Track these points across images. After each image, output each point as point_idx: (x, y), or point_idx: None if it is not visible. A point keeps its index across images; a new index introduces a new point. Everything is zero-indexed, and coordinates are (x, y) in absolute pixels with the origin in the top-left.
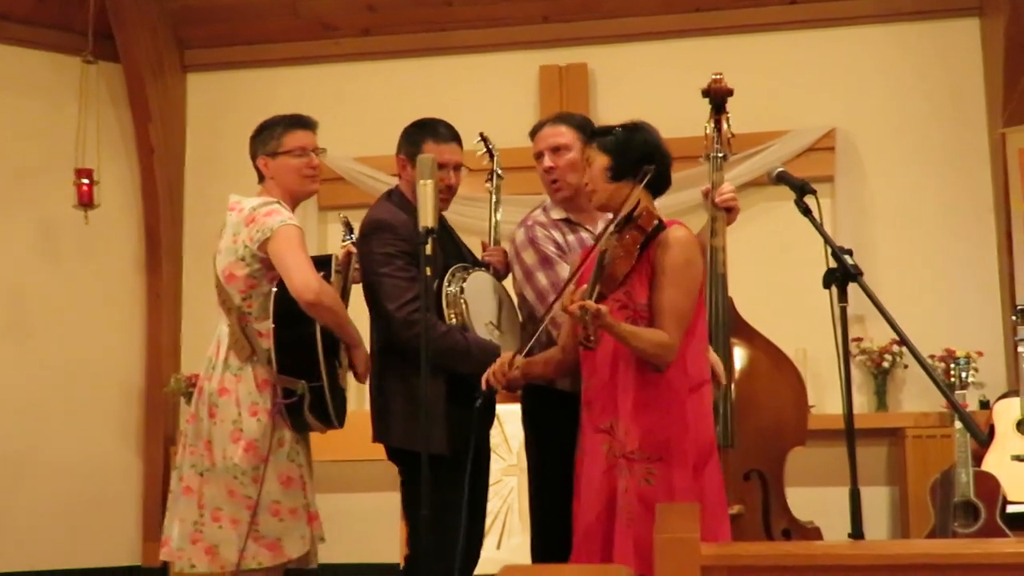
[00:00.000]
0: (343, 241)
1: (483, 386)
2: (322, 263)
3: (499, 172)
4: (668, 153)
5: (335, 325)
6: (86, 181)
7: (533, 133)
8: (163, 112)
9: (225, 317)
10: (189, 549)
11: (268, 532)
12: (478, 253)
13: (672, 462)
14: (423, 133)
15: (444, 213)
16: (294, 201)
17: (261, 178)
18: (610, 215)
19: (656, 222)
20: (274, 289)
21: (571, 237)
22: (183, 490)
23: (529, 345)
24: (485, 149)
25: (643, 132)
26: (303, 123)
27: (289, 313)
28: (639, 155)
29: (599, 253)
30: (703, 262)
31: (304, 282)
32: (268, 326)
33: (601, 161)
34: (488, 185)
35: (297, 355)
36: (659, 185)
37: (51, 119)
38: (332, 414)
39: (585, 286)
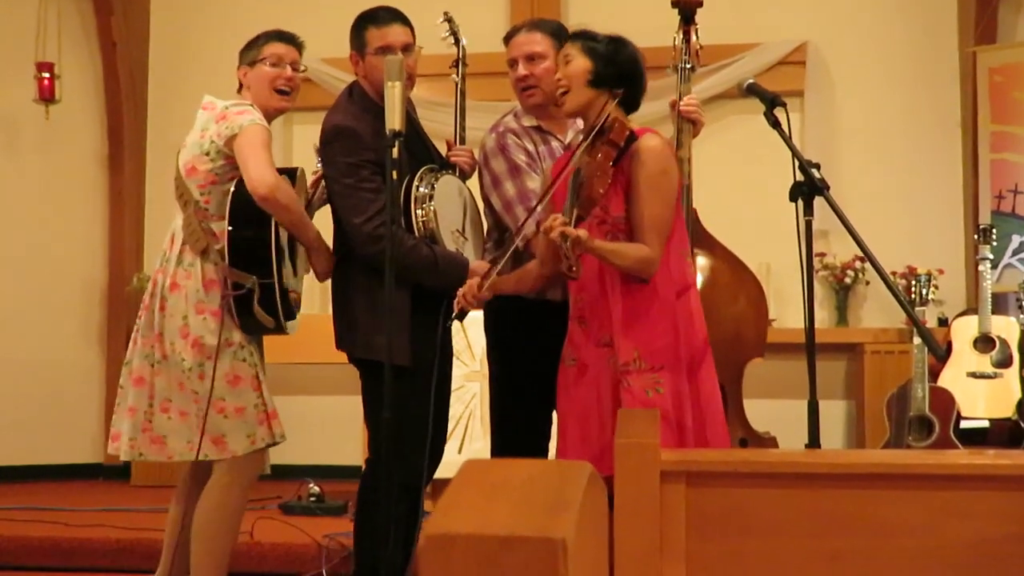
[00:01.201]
0: (316, 169)
1: (455, 308)
2: (287, 173)
3: (464, 60)
4: (645, 77)
5: (290, 224)
6: (47, 75)
7: (507, 39)
8: (126, 6)
9: (181, 211)
10: (140, 438)
11: (212, 428)
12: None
13: (673, 369)
14: (364, 23)
15: (411, 113)
16: (265, 114)
17: (240, 88)
18: (580, 125)
19: (628, 133)
20: (232, 188)
21: (542, 147)
22: (134, 381)
23: (502, 263)
24: (450, 32)
25: (629, 48)
26: (285, 37)
27: (246, 209)
28: (622, 69)
29: (572, 172)
30: (677, 168)
31: (260, 175)
32: (222, 226)
33: (583, 63)
34: (453, 74)
35: (250, 251)
36: (631, 107)
37: (11, 10)
38: (281, 315)
39: (561, 215)
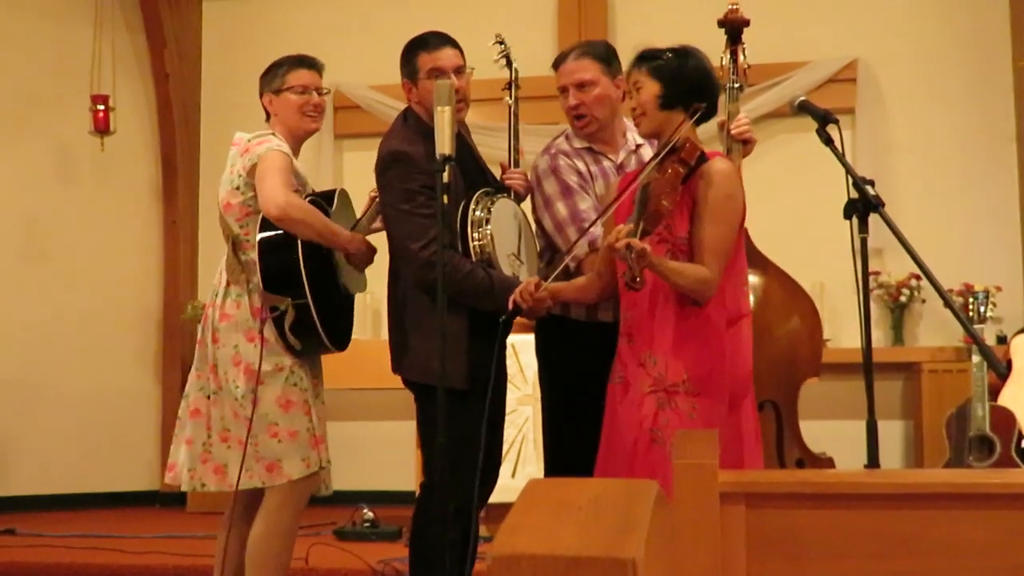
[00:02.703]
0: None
1: (509, 306)
2: (326, 197)
3: (517, 82)
4: (718, 82)
5: (316, 236)
6: (102, 107)
7: (556, 65)
8: (178, 38)
9: (226, 246)
10: (199, 468)
11: (267, 453)
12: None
13: (711, 397)
14: (415, 49)
15: (466, 137)
16: (295, 139)
17: (268, 116)
18: (632, 145)
19: (699, 154)
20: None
21: (594, 167)
22: (191, 413)
23: (552, 278)
24: (502, 54)
25: (695, 59)
26: (307, 63)
27: (272, 233)
28: (691, 84)
29: (640, 187)
30: (744, 195)
31: (269, 197)
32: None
33: (652, 88)
34: (507, 97)
35: (281, 274)
36: (705, 115)
37: (66, 44)
38: (322, 333)
39: (628, 225)
